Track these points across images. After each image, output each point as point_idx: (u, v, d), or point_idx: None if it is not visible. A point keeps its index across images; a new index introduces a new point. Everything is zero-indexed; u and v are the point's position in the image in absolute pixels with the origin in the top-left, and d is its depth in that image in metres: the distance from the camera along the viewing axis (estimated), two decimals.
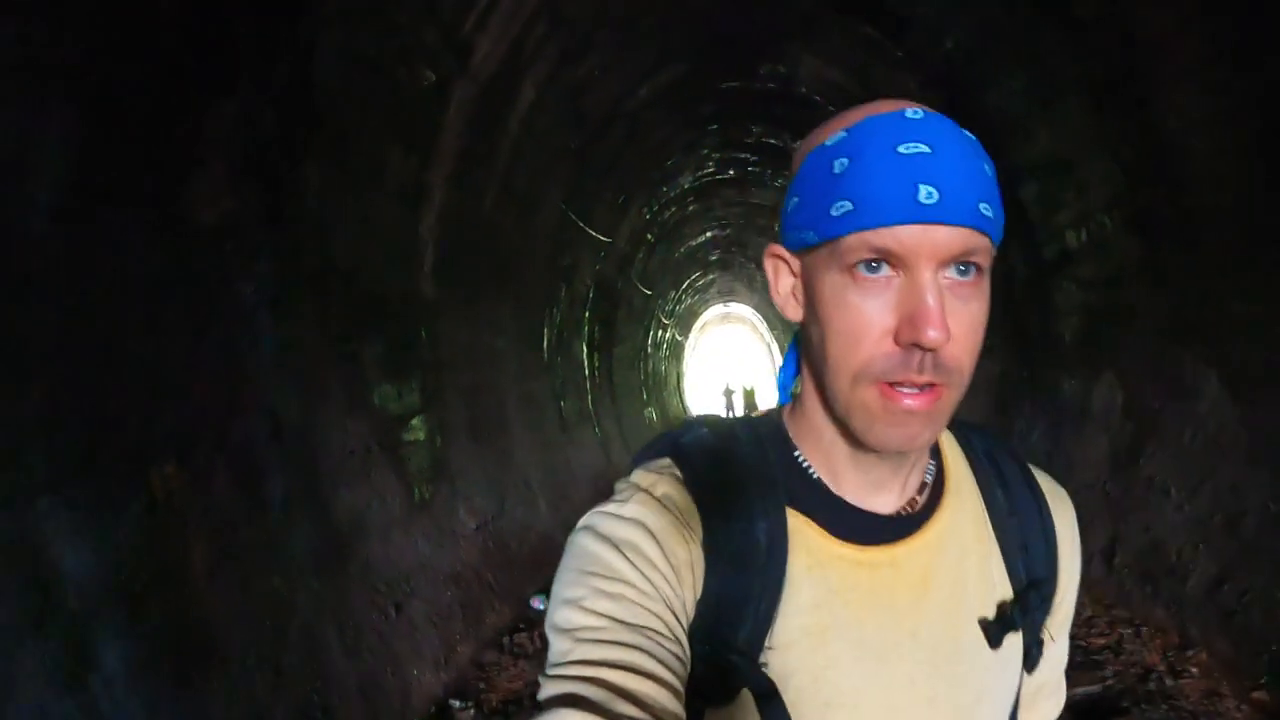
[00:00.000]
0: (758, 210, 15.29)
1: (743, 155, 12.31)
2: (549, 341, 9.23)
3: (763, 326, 29.29)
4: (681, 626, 0.78)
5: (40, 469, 2.47)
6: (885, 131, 0.73)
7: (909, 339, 0.72)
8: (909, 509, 0.88)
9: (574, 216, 9.03)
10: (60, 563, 2.49)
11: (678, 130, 10.67)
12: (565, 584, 0.79)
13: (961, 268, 0.74)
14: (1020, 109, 6.48)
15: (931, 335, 0.70)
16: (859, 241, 0.73)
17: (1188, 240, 5.11)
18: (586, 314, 11.35)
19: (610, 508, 0.83)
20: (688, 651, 0.78)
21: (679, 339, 25.22)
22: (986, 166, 0.75)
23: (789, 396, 0.94)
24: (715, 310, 28.62)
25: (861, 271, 0.74)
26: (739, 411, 26.36)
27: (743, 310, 28.68)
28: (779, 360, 27.86)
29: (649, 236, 14.12)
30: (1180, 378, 5.14)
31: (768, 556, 0.81)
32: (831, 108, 9.57)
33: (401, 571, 4.42)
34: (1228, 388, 4.76)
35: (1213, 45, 4.57)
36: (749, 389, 27.51)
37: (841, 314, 0.76)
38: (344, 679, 3.61)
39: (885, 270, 0.74)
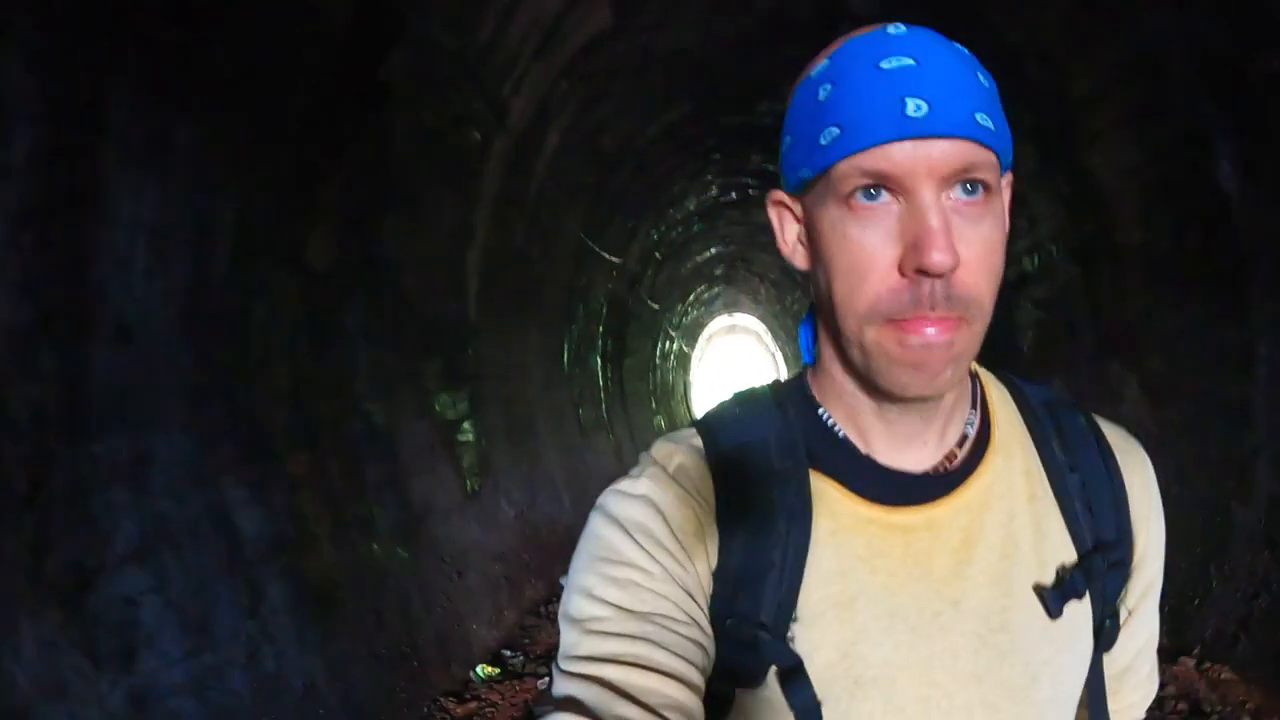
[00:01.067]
0: (759, 229, 16.21)
1: (744, 179, 13.24)
2: (568, 355, 10.17)
3: (768, 337, 30.13)
4: (699, 606, 0.76)
5: (226, 458, 3.42)
6: (867, 50, 0.70)
7: (914, 265, 0.67)
8: (947, 465, 0.82)
9: (590, 242, 9.98)
10: (240, 525, 3.43)
11: (683, 161, 11.62)
12: (576, 569, 0.78)
13: (967, 186, 0.69)
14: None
15: (936, 259, 0.66)
16: (850, 167, 0.69)
17: (1115, 269, 6.02)
18: (600, 329, 12.30)
19: (623, 485, 0.82)
20: (708, 631, 0.76)
21: (686, 350, 26.12)
22: (982, 78, 0.71)
23: (812, 357, 0.87)
24: (721, 322, 29.52)
25: (858, 200, 0.70)
26: None
27: (748, 321, 29.57)
28: (784, 371, 28.68)
29: (656, 255, 15.07)
30: (1109, 383, 6.04)
31: (789, 522, 0.77)
32: None
33: (460, 548, 5.37)
34: (1144, 391, 5.66)
35: (1127, 106, 5.49)
36: None
37: (842, 249, 0.71)
38: (424, 627, 4.56)
39: (884, 197, 0.69)
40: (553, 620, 5.92)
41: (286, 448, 3.81)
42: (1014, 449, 0.84)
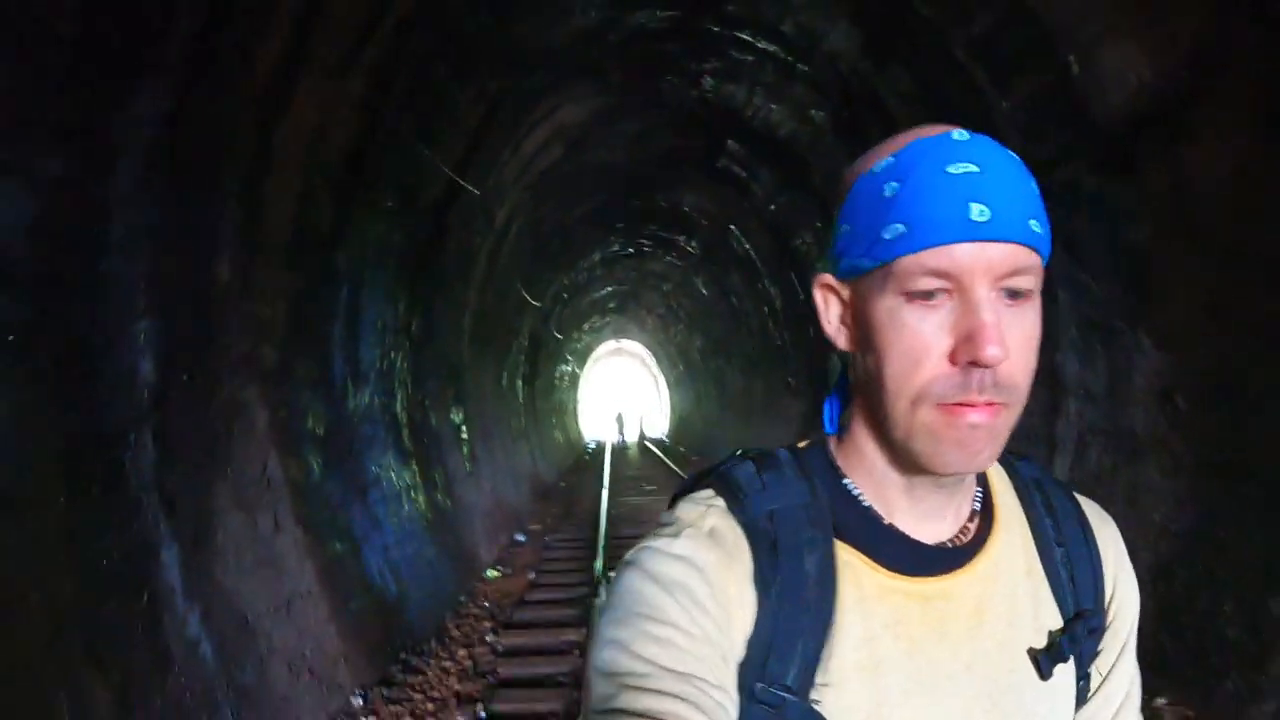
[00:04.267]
0: (650, 274, 20.10)
1: (640, 241, 17.05)
2: (505, 381, 13.66)
3: (651, 361, 34.07)
4: (729, 670, 0.80)
5: (390, 441, 6.85)
6: (933, 153, 0.77)
7: (967, 357, 0.74)
8: (960, 539, 0.90)
9: (525, 294, 13.52)
10: (397, 475, 6.85)
11: (595, 230, 15.35)
12: (611, 623, 0.81)
13: (1012, 290, 0.77)
14: (812, 254, 11.32)
15: (990, 352, 0.73)
16: (913, 263, 0.76)
17: None
18: (523, 358, 15.81)
19: (659, 544, 0.84)
20: (735, 698, 0.80)
21: (577, 371, 29.74)
22: (1033, 185, 0.78)
23: (835, 427, 0.94)
24: (608, 346, 33.30)
25: (917, 293, 0.77)
26: (629, 435, 30.96)
27: (633, 346, 33.45)
28: (664, 389, 32.61)
29: (564, 295, 18.69)
30: None
31: (817, 590, 0.83)
32: (705, 220, 14.40)
33: (468, 504, 8.85)
34: None
35: None
36: (638, 415, 32.22)
37: (898, 336, 0.78)
38: (465, 544, 8.04)
39: (940, 293, 0.76)
40: (520, 551, 9.44)
41: (407, 436, 7.22)
42: (1013, 524, 0.94)
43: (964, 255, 0.74)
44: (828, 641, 0.82)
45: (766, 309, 14.28)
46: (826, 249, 0.88)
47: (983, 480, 0.95)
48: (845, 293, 0.85)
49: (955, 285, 0.76)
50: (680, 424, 29.86)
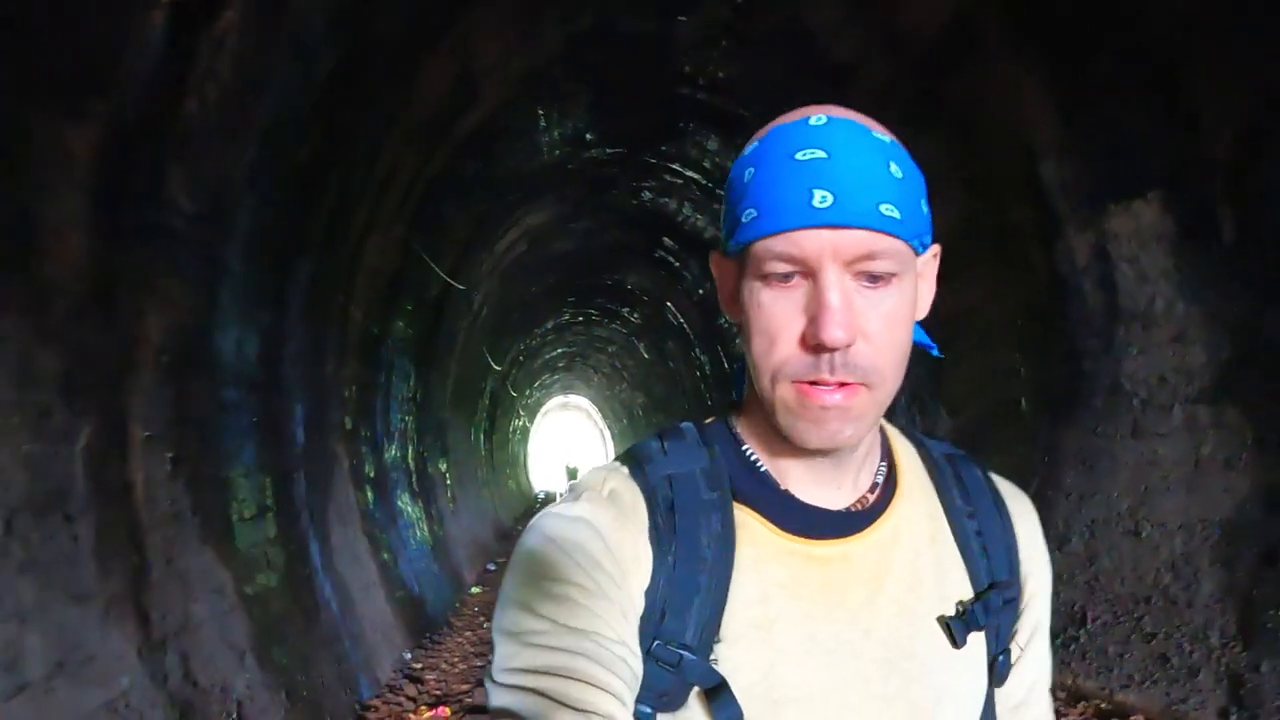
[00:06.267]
0: (595, 338, 22.77)
1: (588, 311, 19.73)
2: (473, 435, 16.12)
3: (596, 415, 36.57)
4: (630, 625, 0.83)
5: (411, 482, 9.30)
6: (786, 139, 0.81)
7: (813, 340, 0.78)
8: (859, 506, 0.93)
9: (490, 360, 16.05)
10: (417, 505, 9.29)
11: (550, 304, 17.98)
12: (511, 585, 0.84)
13: (870, 275, 0.79)
14: (734, 331, 14.01)
15: (833, 335, 0.76)
16: (764, 249, 0.80)
17: None
18: (484, 415, 18.28)
19: (559, 508, 0.89)
20: (637, 652, 0.82)
21: (527, 425, 32.14)
22: (896, 168, 0.80)
23: (740, 394, 0.98)
24: (557, 400, 35.77)
25: (772, 277, 0.81)
26: None
27: (580, 401, 35.98)
28: (610, 443, 35.41)
29: (520, 358, 21.24)
30: None
31: (715, 549, 0.85)
32: (645, 297, 17.10)
33: (454, 534, 11.30)
34: None
35: None
36: (581, 468, 34.59)
37: (758, 316, 0.82)
38: (455, 562, 10.46)
39: (794, 276, 0.80)
40: (486, 583, 11.86)
41: (415, 480, 9.66)
42: (918, 496, 0.97)
43: (807, 241, 0.77)
44: (725, 599, 0.85)
45: (698, 373, 16.93)
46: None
47: (888, 454, 0.98)
48: (729, 269, 0.90)
49: (805, 269, 0.79)
50: None
